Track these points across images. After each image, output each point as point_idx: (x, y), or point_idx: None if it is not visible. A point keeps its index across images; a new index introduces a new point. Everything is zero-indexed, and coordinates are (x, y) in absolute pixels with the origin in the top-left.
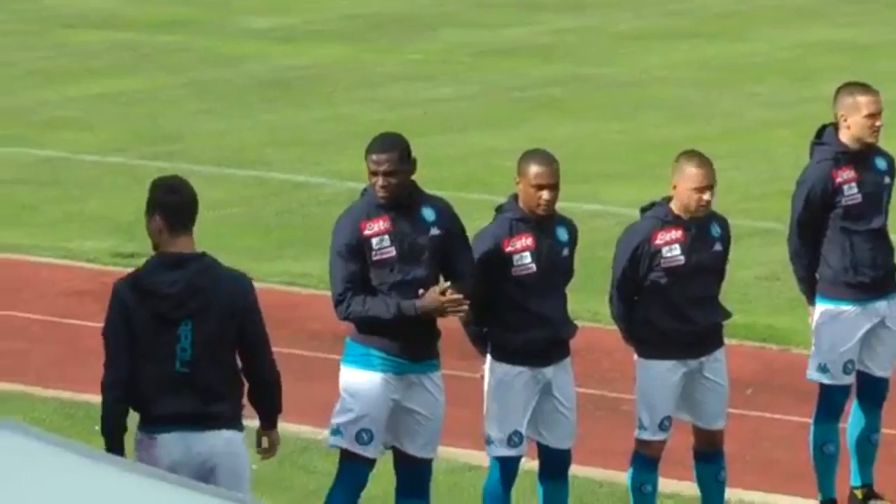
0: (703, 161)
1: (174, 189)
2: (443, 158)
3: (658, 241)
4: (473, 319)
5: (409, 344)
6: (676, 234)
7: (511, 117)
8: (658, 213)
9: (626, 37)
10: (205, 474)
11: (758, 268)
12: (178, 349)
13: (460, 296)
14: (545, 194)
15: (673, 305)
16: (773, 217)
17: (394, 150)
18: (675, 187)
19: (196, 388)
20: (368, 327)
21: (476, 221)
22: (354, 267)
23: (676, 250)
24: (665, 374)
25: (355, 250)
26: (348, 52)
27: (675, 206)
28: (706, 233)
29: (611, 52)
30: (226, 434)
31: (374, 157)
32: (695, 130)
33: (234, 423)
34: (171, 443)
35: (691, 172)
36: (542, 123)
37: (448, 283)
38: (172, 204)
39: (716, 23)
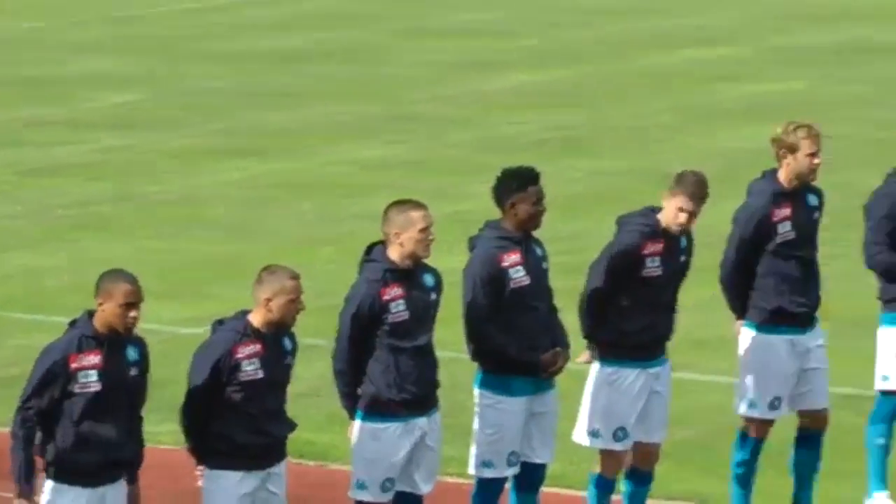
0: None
1: None
2: None
3: (239, 355)
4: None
5: None
6: (255, 347)
7: (54, 236)
8: (237, 327)
9: (173, 155)
10: None
11: (299, 384)
12: None
13: None
14: (133, 312)
15: (250, 418)
16: (316, 333)
17: None
18: (268, 300)
19: None
20: None
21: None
22: None
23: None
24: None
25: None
26: None
27: (254, 319)
28: (280, 347)
29: (157, 171)
30: None
31: None
32: (242, 248)
33: None
34: None
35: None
36: (87, 242)
37: None
38: None
39: (264, 140)
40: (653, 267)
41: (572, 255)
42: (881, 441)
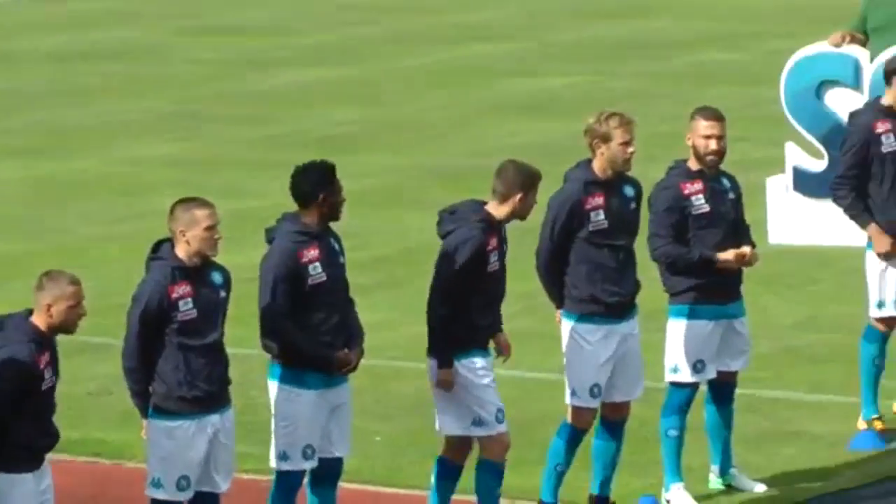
0: None
1: None
2: None
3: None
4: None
5: None
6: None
7: None
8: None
9: None
10: None
11: (90, 383)
12: None
13: None
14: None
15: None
16: (105, 332)
17: None
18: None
19: None
20: None
21: None
22: None
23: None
24: None
25: None
26: None
27: (37, 323)
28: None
29: None
30: None
31: None
32: (25, 247)
33: None
34: None
35: None
36: None
37: None
38: None
39: (43, 139)
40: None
41: (361, 251)
42: (674, 433)
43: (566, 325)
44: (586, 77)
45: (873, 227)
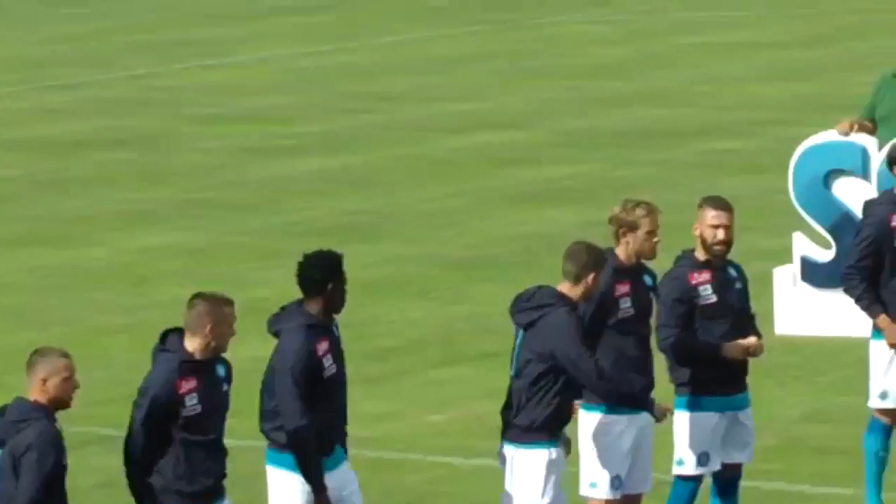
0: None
1: None
2: None
3: None
4: None
5: None
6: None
7: None
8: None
9: None
10: None
11: (97, 474)
12: None
13: None
14: None
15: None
16: (114, 423)
17: None
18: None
19: None
20: None
21: None
22: None
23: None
24: None
25: None
26: None
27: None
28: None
29: None
30: None
31: None
32: (32, 336)
33: None
34: None
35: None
36: None
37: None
38: None
39: (57, 228)
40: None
41: (367, 341)
42: None
43: (590, 417)
44: (594, 165)
45: (883, 318)
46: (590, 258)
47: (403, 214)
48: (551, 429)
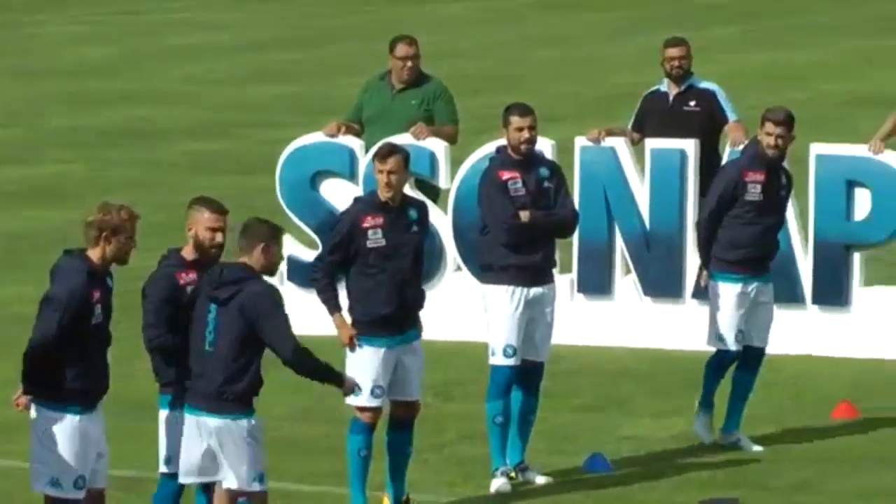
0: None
1: None
2: None
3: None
4: None
5: None
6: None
7: None
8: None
9: None
10: None
11: None
12: None
13: None
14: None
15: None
16: None
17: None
18: None
19: None
20: None
21: None
22: None
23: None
24: None
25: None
26: None
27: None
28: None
29: None
30: None
31: None
32: None
33: None
34: None
35: None
36: None
37: None
38: None
39: None
40: None
41: None
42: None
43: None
44: (78, 165)
45: (338, 316)
46: (258, 231)
47: None
48: (252, 398)
